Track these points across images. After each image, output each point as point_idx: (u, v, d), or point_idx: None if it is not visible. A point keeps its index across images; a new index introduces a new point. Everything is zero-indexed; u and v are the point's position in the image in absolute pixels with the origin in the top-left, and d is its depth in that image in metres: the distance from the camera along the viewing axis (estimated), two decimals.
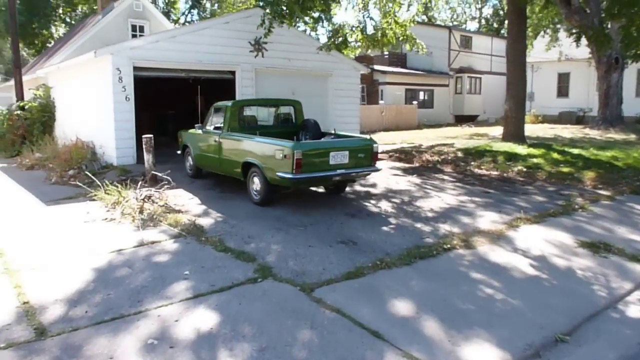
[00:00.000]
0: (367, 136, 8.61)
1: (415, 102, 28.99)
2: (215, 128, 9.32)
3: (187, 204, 8.18)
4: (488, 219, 7.25)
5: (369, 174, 8.59)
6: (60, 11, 30.17)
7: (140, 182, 8.82)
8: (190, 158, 10.53)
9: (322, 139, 8.99)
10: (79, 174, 11.22)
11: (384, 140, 19.05)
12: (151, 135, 9.87)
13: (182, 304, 4.44)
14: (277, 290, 4.72)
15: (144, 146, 9.80)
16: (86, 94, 12.94)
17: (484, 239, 6.29)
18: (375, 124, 25.11)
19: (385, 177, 10.61)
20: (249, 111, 9.96)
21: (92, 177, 9.42)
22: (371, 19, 13.99)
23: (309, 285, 4.78)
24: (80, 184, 9.27)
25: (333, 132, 9.24)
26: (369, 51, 17.45)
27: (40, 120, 16.16)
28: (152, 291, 4.70)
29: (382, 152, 14.82)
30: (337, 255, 5.61)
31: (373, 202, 8.31)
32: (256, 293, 4.65)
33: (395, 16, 15.49)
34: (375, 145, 8.23)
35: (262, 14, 11.93)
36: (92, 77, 12.37)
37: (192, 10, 36.10)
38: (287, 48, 13.96)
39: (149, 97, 14.47)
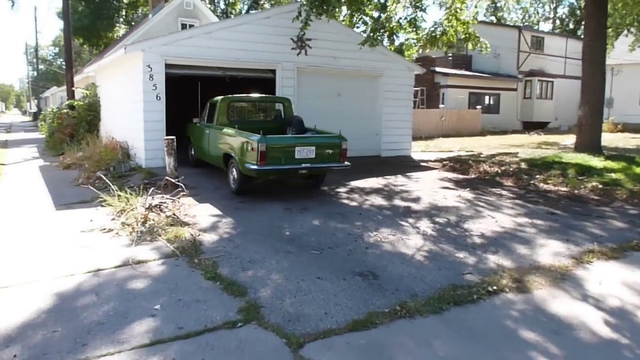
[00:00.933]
0: (337, 134, 8.91)
1: (479, 107, 27.08)
2: (208, 122, 10.02)
3: (199, 214, 7.28)
4: (551, 250, 5.83)
5: (336, 169, 8.92)
6: (124, 13, 30.71)
7: (152, 189, 8.03)
8: (191, 148, 11.28)
9: (290, 135, 9.56)
10: (106, 175, 10.70)
11: (440, 147, 17.58)
12: (173, 137, 9.12)
13: (133, 353, 3.47)
14: (256, 341, 3.64)
15: (165, 149, 9.06)
16: (121, 92, 12.51)
17: (543, 279, 4.91)
18: (433, 130, 23.55)
19: (432, 190, 9.30)
20: (238, 107, 10.96)
21: (108, 181, 8.78)
22: (423, 10, 12.59)
23: (300, 337, 3.66)
24: (94, 189, 8.61)
25: (313, 128, 9.74)
26: (429, 51, 16.02)
27: (85, 119, 16.04)
28: (106, 331, 3.76)
29: (435, 161, 13.44)
30: (348, 293, 4.46)
31: (411, 221, 7.06)
32: (229, 344, 3.60)
33: (457, 12, 14.07)
34: (343, 142, 8.59)
35: (298, 5, 10.94)
36: (126, 75, 11.89)
37: (250, 11, 35.87)
38: (333, 45, 12.90)
39: (183, 96, 13.81)
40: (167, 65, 10.99)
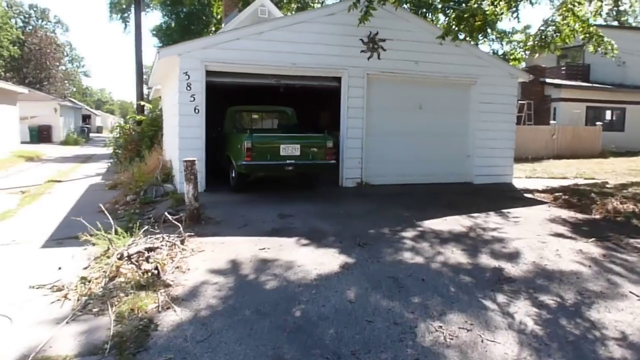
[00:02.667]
0: (322, 134, 9.47)
1: (599, 124, 22.91)
2: (220, 129, 10.51)
3: (196, 267, 5.28)
4: None
5: (322, 167, 9.41)
6: (213, 28, 30.46)
7: (146, 227, 6.18)
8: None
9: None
10: (135, 201, 9.17)
11: (551, 173, 14.32)
12: (193, 159, 7.27)
13: None
14: None
15: (183, 172, 7.24)
16: (167, 104, 11.04)
17: None
18: (542, 150, 20.01)
19: (539, 238, 6.56)
20: (244, 116, 11.46)
21: (102, 213, 7.06)
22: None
23: None
24: (111, 218, 6.96)
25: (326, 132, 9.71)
26: (538, 57, 13.00)
27: (147, 134, 15.00)
28: None
29: (543, 191, 10.48)
30: None
31: (502, 299, 4.50)
32: None
33: (574, 6, 11.15)
34: (328, 141, 9.18)
35: None
36: (169, 85, 10.41)
37: None
38: (413, 46, 10.52)
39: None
40: (209, 73, 9.27)
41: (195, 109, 9.15)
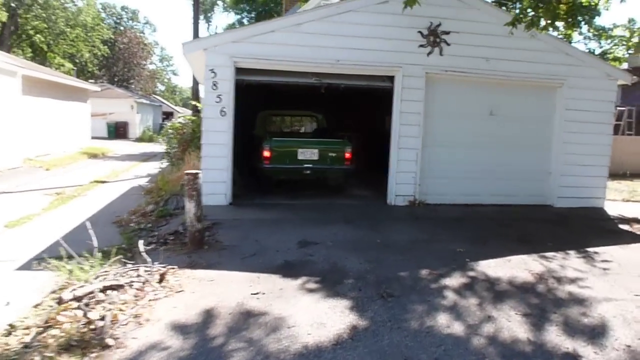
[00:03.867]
0: (341, 139, 9.70)
1: None
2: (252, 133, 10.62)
3: (158, 319, 4.09)
4: None
5: (340, 172, 9.54)
6: None
7: (120, 269, 5.10)
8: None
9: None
10: (152, 212, 8.25)
11: None
12: (196, 172, 6.12)
13: None
14: None
15: (186, 189, 6.12)
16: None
17: None
18: None
19: (638, 301, 4.73)
20: (274, 119, 12.28)
21: (88, 234, 6.08)
22: None
23: None
24: (121, 233, 6.02)
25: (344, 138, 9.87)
26: None
27: (197, 135, 14.25)
28: None
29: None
30: None
31: None
32: None
33: None
34: (347, 147, 9.31)
35: None
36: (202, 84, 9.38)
37: None
38: (484, 40, 8.78)
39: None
40: (239, 71, 8.14)
41: (221, 111, 8.05)
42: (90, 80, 43.94)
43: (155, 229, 7.37)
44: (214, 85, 8.00)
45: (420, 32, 8.53)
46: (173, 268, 5.16)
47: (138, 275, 4.78)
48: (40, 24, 43.14)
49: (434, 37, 8.57)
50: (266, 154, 8.89)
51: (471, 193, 9.10)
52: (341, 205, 8.65)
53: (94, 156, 19.93)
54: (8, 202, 9.68)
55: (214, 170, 8.13)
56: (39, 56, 44.95)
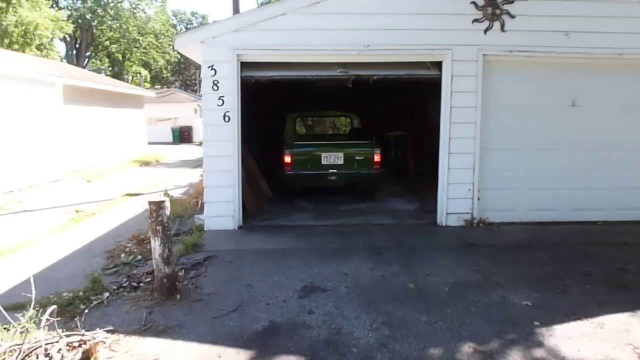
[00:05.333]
0: (368, 141, 8.77)
1: None
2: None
3: None
4: None
5: (368, 178, 8.69)
6: None
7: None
8: None
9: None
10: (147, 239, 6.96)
11: None
12: (162, 200, 4.68)
13: None
14: None
15: (149, 221, 4.71)
16: None
17: None
18: None
19: None
20: (306, 122, 12.26)
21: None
22: None
23: None
24: (110, 269, 4.82)
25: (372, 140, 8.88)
26: None
27: None
28: None
29: None
30: None
31: None
32: None
33: None
34: (375, 150, 8.41)
35: None
36: None
37: None
38: (561, 9, 6.73)
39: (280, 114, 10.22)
40: (245, 66, 6.68)
41: (225, 116, 6.63)
42: (156, 87, 44.79)
43: (141, 263, 6.07)
44: (215, 84, 6.58)
45: (474, 2, 6.62)
46: (109, 336, 3.76)
47: (48, 356, 3.42)
48: (114, 34, 44.46)
49: (493, 8, 6.62)
50: (287, 159, 8.22)
51: (544, 207, 7.07)
52: (375, 228, 6.93)
53: (146, 164, 19.41)
54: (21, 222, 8.90)
55: (219, 189, 6.74)
56: (117, 66, 46.53)
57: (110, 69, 47.08)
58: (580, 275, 5.07)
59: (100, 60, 47.31)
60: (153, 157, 20.85)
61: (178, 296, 4.70)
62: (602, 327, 3.93)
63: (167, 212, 4.65)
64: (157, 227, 4.60)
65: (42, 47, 28.51)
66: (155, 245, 4.63)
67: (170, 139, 32.43)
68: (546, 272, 5.17)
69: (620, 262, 5.45)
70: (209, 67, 6.55)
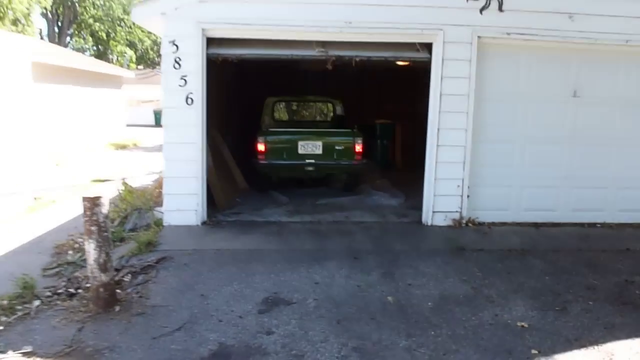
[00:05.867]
0: (349, 129, 8.01)
1: None
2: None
3: None
4: None
5: (348, 169, 8.07)
6: None
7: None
8: None
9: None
10: None
11: None
12: (98, 196, 3.96)
13: None
14: None
15: (84, 222, 3.99)
16: None
17: None
18: None
19: None
20: (284, 107, 11.47)
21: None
22: None
23: None
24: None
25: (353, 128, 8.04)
26: None
27: None
28: None
29: None
30: None
31: None
32: None
33: None
34: (357, 139, 7.74)
35: None
36: None
37: None
38: None
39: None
40: (211, 42, 5.94)
41: (187, 99, 5.89)
42: (139, 67, 43.47)
43: (73, 270, 5.36)
44: (177, 62, 5.83)
45: None
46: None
47: None
48: (97, 12, 43.00)
49: None
50: (260, 147, 7.58)
51: (542, 207, 6.46)
52: (354, 226, 6.26)
53: (122, 147, 18.56)
54: None
55: (180, 180, 6.03)
56: (102, 45, 45.06)
57: (94, 48, 45.63)
58: (582, 289, 4.47)
59: (84, 39, 45.81)
60: (130, 141, 19.97)
61: (117, 308, 4.02)
62: (612, 357, 3.32)
63: (105, 209, 3.95)
64: (92, 228, 3.89)
65: (17, 22, 27.31)
66: (90, 248, 3.93)
67: (153, 122, 31.42)
68: (544, 284, 4.56)
69: (626, 274, 4.86)
70: (170, 42, 5.79)
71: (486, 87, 6.19)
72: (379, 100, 12.38)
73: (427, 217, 6.28)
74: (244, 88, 11.20)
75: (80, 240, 6.25)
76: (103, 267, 3.94)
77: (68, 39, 42.79)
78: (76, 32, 44.50)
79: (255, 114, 9.37)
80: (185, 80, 5.85)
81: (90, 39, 45.22)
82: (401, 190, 8.18)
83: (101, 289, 3.96)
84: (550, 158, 6.41)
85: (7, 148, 12.58)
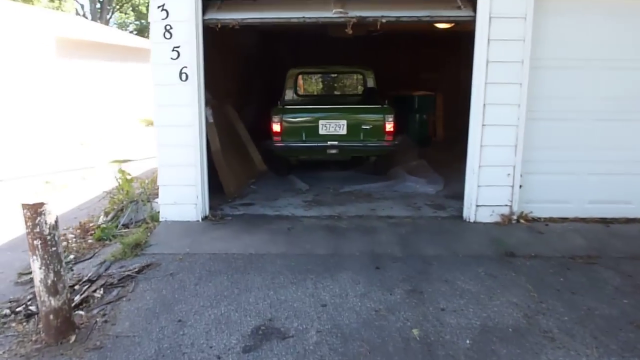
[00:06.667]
0: (378, 105, 6.90)
1: None
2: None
3: None
4: None
5: (377, 151, 7.02)
6: None
7: None
8: None
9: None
10: (97, 229, 5.54)
11: None
12: (41, 202, 3.14)
13: None
14: None
15: (26, 236, 3.19)
16: None
17: None
18: None
19: None
20: (309, 80, 10.41)
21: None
22: None
23: None
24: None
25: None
26: None
27: None
28: None
29: None
30: None
31: None
32: None
33: None
34: (388, 116, 6.65)
35: None
36: None
37: None
38: None
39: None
40: (210, 6, 4.99)
41: (181, 74, 5.00)
42: None
43: (70, 265, 4.65)
44: (167, 31, 4.93)
45: None
46: None
47: None
48: None
49: None
50: (276, 128, 6.69)
51: (611, 199, 5.26)
52: (380, 222, 5.27)
53: (152, 124, 18.06)
54: None
55: (176, 168, 5.20)
56: (143, 19, 44.85)
57: (136, 23, 45.48)
58: None
59: (126, 14, 45.72)
60: None
61: (73, 338, 3.25)
62: None
63: (51, 218, 3.14)
64: (35, 242, 3.10)
65: None
66: (35, 267, 3.15)
67: None
68: (621, 312, 3.48)
69: None
70: (158, 7, 4.88)
71: (545, 51, 4.97)
72: (417, 68, 11.16)
73: (469, 211, 5.21)
74: (267, 58, 10.26)
75: (71, 236, 5.59)
76: (52, 290, 3.16)
77: (109, 14, 42.73)
78: (118, 7, 44.39)
79: (279, 86, 8.44)
80: (177, 52, 4.95)
81: (132, 13, 45.04)
82: (441, 173, 7.11)
83: (51, 316, 3.19)
84: (625, 138, 5.18)
85: (31, 127, 12.20)
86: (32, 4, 23.18)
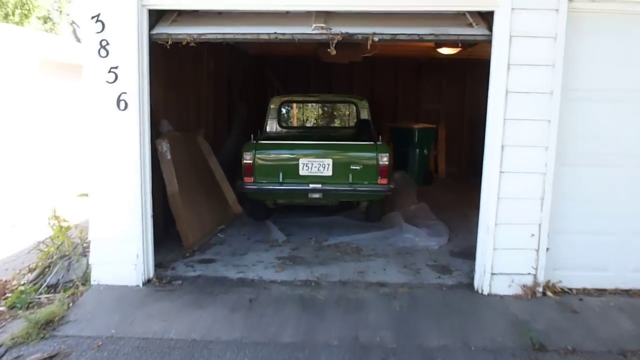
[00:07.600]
0: (371, 142, 5.87)
1: None
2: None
3: None
4: None
5: (369, 196, 5.93)
6: None
7: None
8: None
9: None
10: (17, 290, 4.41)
11: None
12: None
13: None
14: None
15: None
16: None
17: None
18: None
19: None
20: (293, 111, 8.66)
21: None
22: None
23: None
24: None
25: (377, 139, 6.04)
26: None
27: None
28: None
29: None
30: None
31: None
32: None
33: None
34: (381, 155, 5.60)
35: None
36: None
37: None
38: None
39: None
40: (160, 17, 4.00)
41: (119, 101, 3.95)
42: None
43: None
44: (102, 47, 3.90)
45: None
46: None
47: None
48: None
49: None
50: (247, 166, 5.63)
51: None
52: (371, 292, 4.14)
53: None
54: None
55: (111, 217, 4.10)
56: None
57: None
58: None
59: None
60: None
61: None
62: None
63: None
64: None
65: (48, 19, 26.44)
66: None
67: None
68: None
69: None
70: (92, 17, 3.87)
71: (579, 80, 3.94)
72: (417, 97, 10.18)
73: (482, 280, 4.09)
74: (253, 84, 9.31)
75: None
76: None
77: None
78: None
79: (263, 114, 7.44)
80: (115, 75, 3.91)
81: None
82: (445, 219, 6.06)
83: None
84: None
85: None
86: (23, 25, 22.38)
